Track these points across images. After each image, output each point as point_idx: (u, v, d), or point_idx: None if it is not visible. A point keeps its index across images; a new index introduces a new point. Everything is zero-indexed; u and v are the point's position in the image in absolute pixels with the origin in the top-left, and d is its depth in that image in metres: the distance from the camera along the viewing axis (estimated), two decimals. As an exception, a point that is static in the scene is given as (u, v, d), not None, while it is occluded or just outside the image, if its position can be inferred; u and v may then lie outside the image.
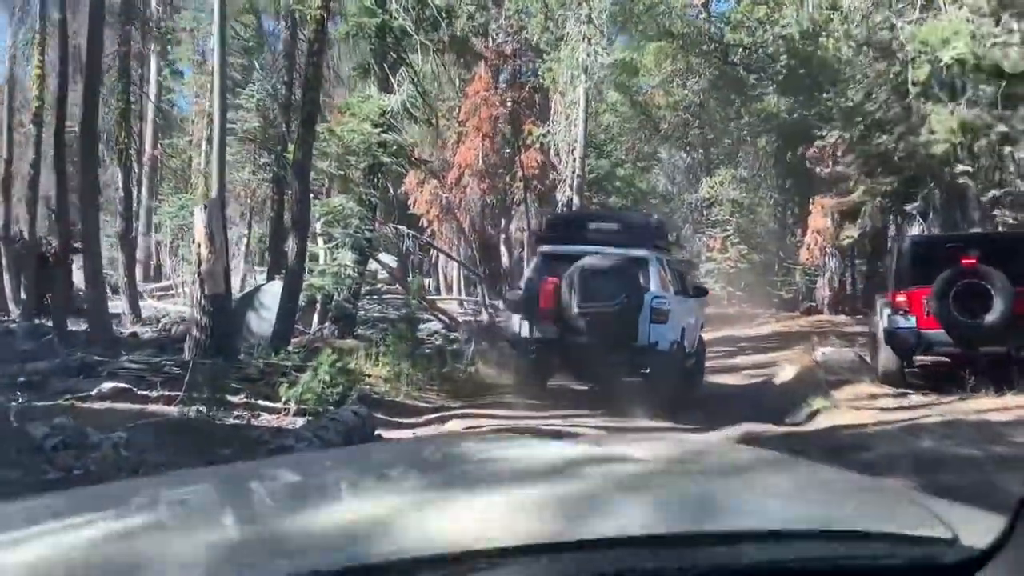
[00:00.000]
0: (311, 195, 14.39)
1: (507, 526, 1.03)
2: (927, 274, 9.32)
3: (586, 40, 20.34)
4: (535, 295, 8.72)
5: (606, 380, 9.15)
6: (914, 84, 14.96)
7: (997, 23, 13.71)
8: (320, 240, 15.78)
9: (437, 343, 14.65)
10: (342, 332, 14.07)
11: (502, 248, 24.35)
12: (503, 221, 23.84)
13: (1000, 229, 14.73)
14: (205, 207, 10.19)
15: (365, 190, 14.52)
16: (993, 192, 15.02)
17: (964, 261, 9.09)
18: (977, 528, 0.99)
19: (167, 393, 7.85)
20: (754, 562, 0.93)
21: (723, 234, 27.38)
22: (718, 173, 29.30)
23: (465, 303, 23.78)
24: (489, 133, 21.67)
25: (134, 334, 15.48)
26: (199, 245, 10.04)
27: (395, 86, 14.73)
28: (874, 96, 15.45)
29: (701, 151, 31.56)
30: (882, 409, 8.65)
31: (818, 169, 18.56)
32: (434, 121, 15.34)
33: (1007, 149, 14.62)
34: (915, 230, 15.32)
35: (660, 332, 8.67)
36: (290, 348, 11.78)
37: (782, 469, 1.61)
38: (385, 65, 15.04)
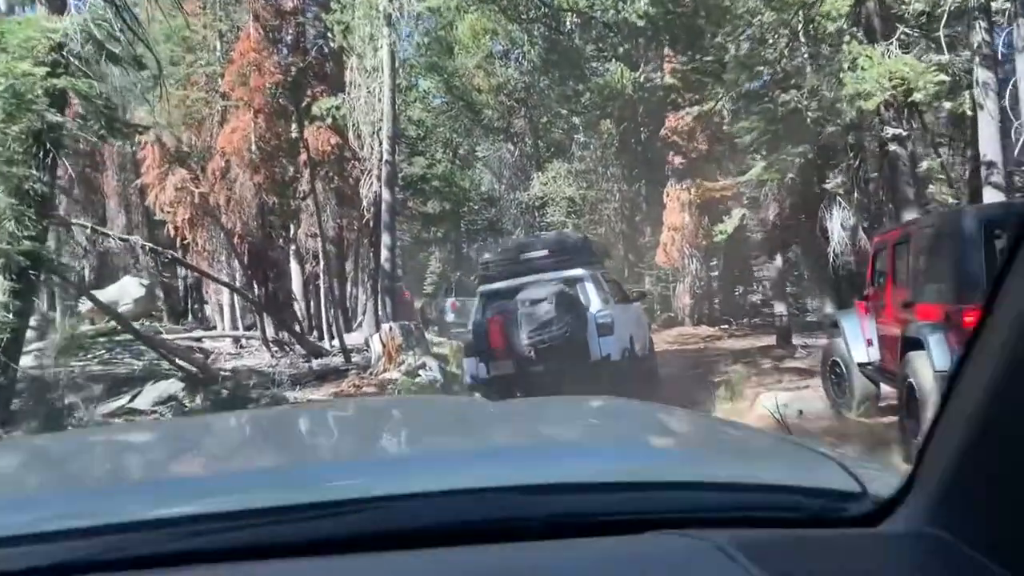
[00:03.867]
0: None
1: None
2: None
3: (388, -18, 15.33)
4: (484, 336, 8.86)
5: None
6: (832, 19, 11.30)
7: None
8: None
9: (164, 417, 9.04)
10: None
11: (292, 262, 18.70)
12: (291, 227, 18.22)
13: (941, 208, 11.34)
14: None
15: (24, 172, 8.66)
16: (927, 162, 11.61)
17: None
18: (889, 482, 0.97)
19: None
20: (663, 510, 0.92)
21: (559, 238, 23.33)
22: (551, 167, 25.46)
23: (245, 340, 17.94)
24: (264, 108, 16.08)
25: None
26: None
27: (71, 5, 8.98)
28: (772, 42, 11.60)
29: (530, 142, 27.47)
30: None
31: (690, 145, 14.68)
32: (148, 59, 9.63)
33: (946, 105, 11.26)
34: (835, 215, 11.63)
35: (609, 344, 8.87)
36: None
37: (691, 422, 1.59)
38: (59, -29, 9.27)
